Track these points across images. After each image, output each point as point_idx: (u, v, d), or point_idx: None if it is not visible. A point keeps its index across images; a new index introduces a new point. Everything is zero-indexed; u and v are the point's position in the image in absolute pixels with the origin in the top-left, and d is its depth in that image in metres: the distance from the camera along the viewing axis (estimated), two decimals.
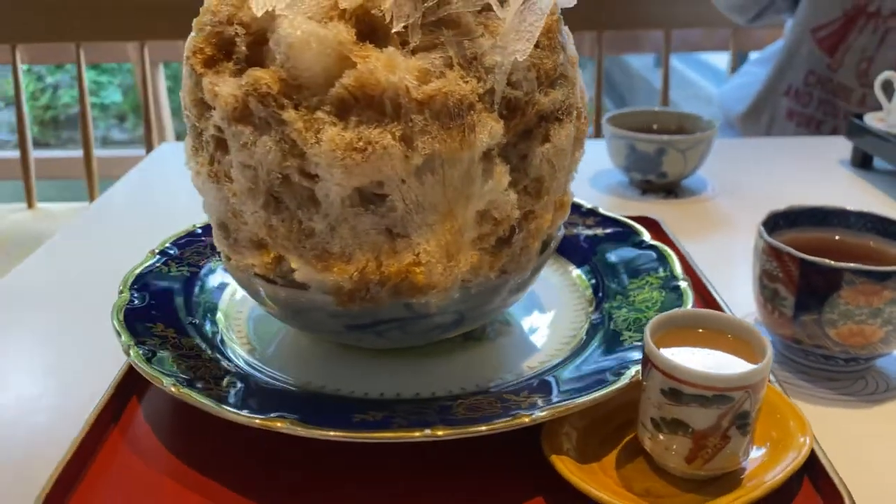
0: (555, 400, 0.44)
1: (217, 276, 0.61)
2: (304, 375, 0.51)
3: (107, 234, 0.86)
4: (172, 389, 0.44)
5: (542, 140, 0.45)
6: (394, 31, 0.41)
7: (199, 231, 0.65)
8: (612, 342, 0.51)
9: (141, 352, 0.48)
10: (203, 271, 0.61)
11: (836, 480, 0.42)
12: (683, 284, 0.55)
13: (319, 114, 0.40)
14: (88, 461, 0.46)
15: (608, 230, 0.65)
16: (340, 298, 0.45)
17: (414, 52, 0.41)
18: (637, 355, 0.48)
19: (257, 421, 0.42)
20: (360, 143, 0.40)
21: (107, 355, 0.58)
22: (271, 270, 0.46)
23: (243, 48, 0.43)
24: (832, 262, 0.57)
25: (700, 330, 0.45)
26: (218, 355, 0.51)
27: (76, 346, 0.62)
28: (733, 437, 0.41)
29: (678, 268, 0.58)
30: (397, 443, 0.42)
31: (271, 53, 0.42)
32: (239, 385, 0.47)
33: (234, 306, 0.59)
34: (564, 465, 0.43)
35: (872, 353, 0.59)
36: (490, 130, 0.42)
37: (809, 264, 0.57)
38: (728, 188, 1.00)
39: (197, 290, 0.59)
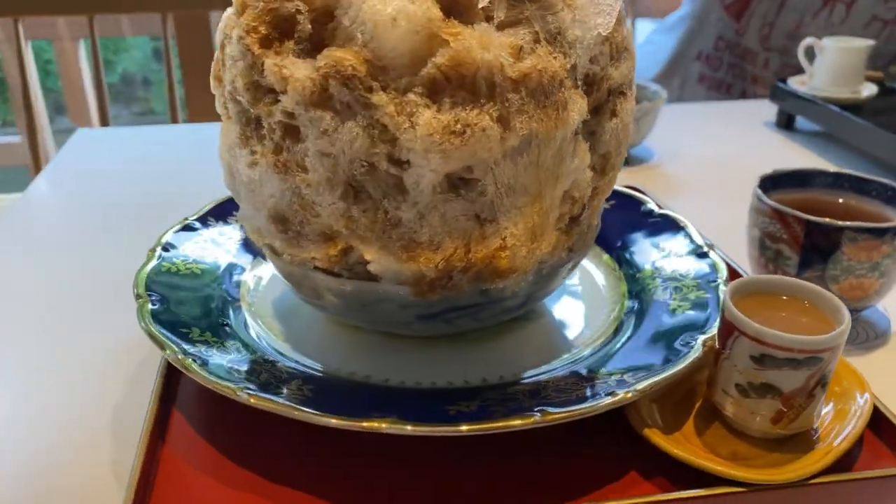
0: (640, 375, 0.44)
1: (225, 270, 0.57)
2: (361, 369, 0.48)
3: (50, 230, 0.79)
4: (251, 400, 0.41)
5: (610, 115, 0.45)
6: (480, 6, 0.39)
7: (197, 224, 0.61)
8: (662, 312, 0.52)
9: (194, 361, 0.44)
10: (212, 266, 0.57)
11: None
12: (713, 253, 0.57)
13: (411, 96, 0.38)
14: (149, 486, 0.42)
15: (612, 200, 0.66)
16: (420, 288, 0.43)
17: (499, 27, 0.40)
18: (696, 323, 0.49)
19: (363, 424, 0.40)
20: (458, 127, 0.38)
21: (99, 362, 0.55)
22: (336, 263, 0.44)
23: (307, 26, 0.40)
24: (837, 222, 0.60)
25: (778, 296, 0.46)
26: (268, 356, 0.48)
27: (62, 356, 0.57)
28: (817, 395, 0.43)
29: (696, 235, 0.60)
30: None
31: (342, 31, 0.39)
32: (310, 386, 0.44)
33: (257, 301, 0.56)
34: (659, 438, 0.43)
35: (866, 304, 0.64)
36: (579, 107, 0.41)
37: (815, 224, 0.60)
38: (670, 154, 1.04)
39: (215, 286, 0.55)
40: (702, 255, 0.57)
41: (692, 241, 0.59)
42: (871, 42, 1.05)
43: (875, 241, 0.60)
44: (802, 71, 1.11)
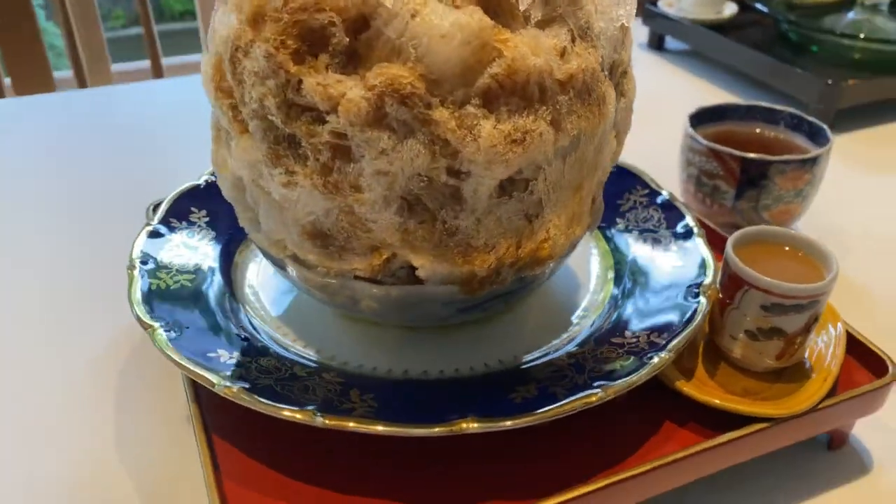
0: (665, 333, 0.48)
1: (213, 276, 0.55)
2: (396, 365, 0.49)
3: None
4: (329, 423, 0.41)
5: (619, 96, 0.47)
6: (521, 8, 0.39)
7: (162, 229, 0.57)
8: (653, 266, 0.56)
9: (250, 392, 0.43)
10: (200, 275, 0.54)
11: (877, 350, 0.52)
12: (674, 200, 0.61)
13: (469, 108, 0.38)
14: None
15: None
16: (470, 287, 0.44)
17: (537, 27, 0.40)
18: (690, 273, 0.54)
19: (436, 429, 0.41)
20: (518, 135, 0.38)
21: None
22: (379, 271, 0.44)
23: (344, 39, 0.38)
24: (768, 157, 0.66)
25: (772, 245, 0.51)
26: (308, 367, 0.47)
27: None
28: (811, 330, 0.49)
29: (650, 181, 0.64)
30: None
31: (384, 43, 0.38)
32: (370, 394, 0.44)
33: (258, 304, 0.54)
34: (689, 389, 0.48)
35: (790, 224, 0.72)
36: (613, 99, 0.43)
37: (749, 161, 0.67)
38: None
39: (211, 296, 0.53)
40: (664, 203, 0.61)
41: (648, 187, 0.63)
42: None
43: (800, 170, 0.67)
44: None
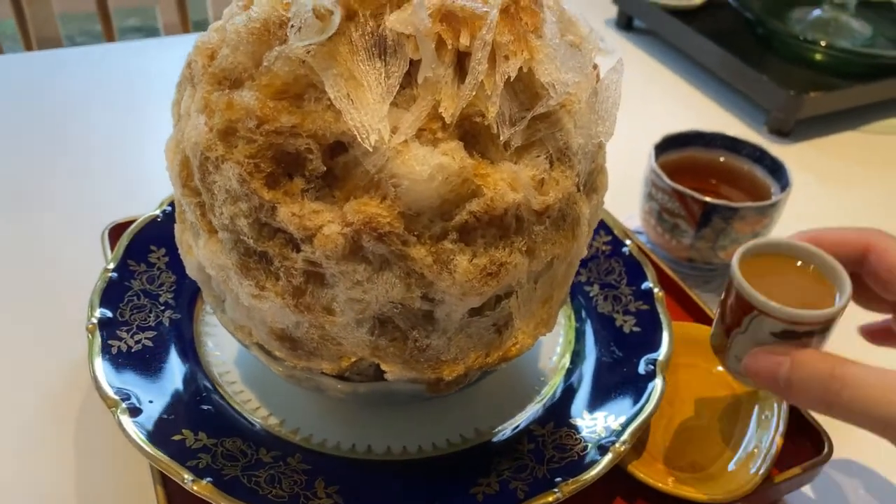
0: (621, 418, 0.50)
1: (175, 331, 0.54)
2: (359, 440, 0.50)
3: None
4: None
5: (592, 192, 0.47)
6: (502, 140, 0.38)
7: (116, 276, 0.56)
8: (613, 331, 0.58)
9: (213, 483, 0.43)
10: (162, 331, 0.54)
11: (817, 426, 0.55)
12: (633, 249, 0.62)
13: (447, 244, 0.38)
14: None
15: None
16: (437, 388, 0.44)
17: (517, 152, 0.39)
18: (647, 342, 0.55)
19: None
20: (493, 268, 0.38)
21: None
22: (346, 370, 0.44)
23: (321, 166, 0.37)
24: (731, 203, 0.67)
25: (782, 258, 0.47)
26: (267, 447, 0.48)
27: None
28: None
29: (612, 222, 0.64)
30: None
31: (361, 174, 0.37)
32: (334, 486, 0.45)
33: (224, 367, 0.54)
34: (640, 472, 0.50)
35: None
36: (587, 218, 0.43)
37: (713, 206, 0.68)
38: None
39: (174, 357, 0.52)
40: (627, 255, 0.62)
41: (612, 233, 0.64)
42: None
43: (759, 216, 0.68)
44: None
